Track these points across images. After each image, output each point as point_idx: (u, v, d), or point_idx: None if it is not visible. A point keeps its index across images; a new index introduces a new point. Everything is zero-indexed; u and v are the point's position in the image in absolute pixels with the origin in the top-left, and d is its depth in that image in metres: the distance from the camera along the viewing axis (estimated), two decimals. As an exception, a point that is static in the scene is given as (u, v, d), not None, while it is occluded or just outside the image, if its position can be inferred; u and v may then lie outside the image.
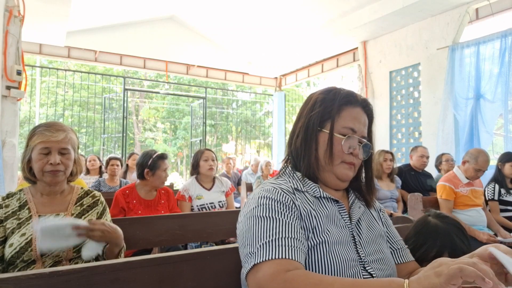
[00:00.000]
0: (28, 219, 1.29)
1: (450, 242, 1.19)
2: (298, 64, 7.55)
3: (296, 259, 0.74)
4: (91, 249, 1.25)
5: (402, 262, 0.97)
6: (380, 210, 1.04)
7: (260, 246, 0.76)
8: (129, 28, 6.77)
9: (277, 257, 0.73)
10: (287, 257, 0.73)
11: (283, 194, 0.84)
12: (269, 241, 0.76)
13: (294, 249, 0.75)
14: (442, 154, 4.02)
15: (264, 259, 0.74)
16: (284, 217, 0.80)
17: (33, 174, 1.34)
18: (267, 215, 0.80)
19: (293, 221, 0.80)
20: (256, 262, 0.75)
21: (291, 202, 0.83)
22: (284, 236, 0.76)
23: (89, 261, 1.31)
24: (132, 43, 6.82)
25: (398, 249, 0.99)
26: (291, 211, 0.82)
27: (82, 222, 1.21)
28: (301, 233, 0.80)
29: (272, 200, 0.83)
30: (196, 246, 2.49)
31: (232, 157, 6.39)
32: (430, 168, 4.15)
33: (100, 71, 12.57)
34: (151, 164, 2.45)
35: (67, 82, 11.49)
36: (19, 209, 1.31)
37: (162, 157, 2.51)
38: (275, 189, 0.85)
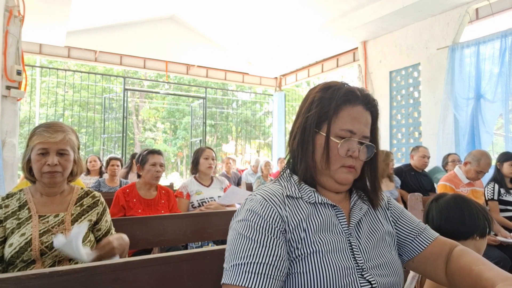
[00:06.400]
0: (28, 219, 1.29)
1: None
2: (298, 64, 7.55)
3: None
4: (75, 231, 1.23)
5: (430, 243, 0.90)
6: (387, 209, 0.97)
7: (233, 265, 0.74)
8: (129, 28, 6.77)
9: (246, 284, 0.71)
10: (256, 287, 0.71)
11: (270, 207, 0.80)
12: (243, 263, 0.73)
13: (268, 279, 0.72)
14: (449, 154, 3.95)
15: (233, 282, 0.72)
16: (265, 239, 0.76)
17: (33, 174, 1.34)
18: (247, 234, 0.77)
19: (275, 242, 0.77)
20: (225, 282, 0.74)
21: (277, 216, 0.79)
22: (261, 261, 0.73)
23: (89, 261, 1.31)
24: (132, 43, 6.82)
25: (422, 232, 0.92)
26: (275, 230, 0.78)
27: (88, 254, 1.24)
28: (282, 256, 0.76)
29: (257, 216, 0.79)
30: (197, 246, 2.49)
31: (232, 157, 6.39)
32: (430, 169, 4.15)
33: (100, 71, 12.58)
34: (141, 159, 2.48)
35: (67, 82, 11.48)
36: (19, 209, 1.31)
37: (152, 152, 2.52)
38: (263, 201, 0.81)
